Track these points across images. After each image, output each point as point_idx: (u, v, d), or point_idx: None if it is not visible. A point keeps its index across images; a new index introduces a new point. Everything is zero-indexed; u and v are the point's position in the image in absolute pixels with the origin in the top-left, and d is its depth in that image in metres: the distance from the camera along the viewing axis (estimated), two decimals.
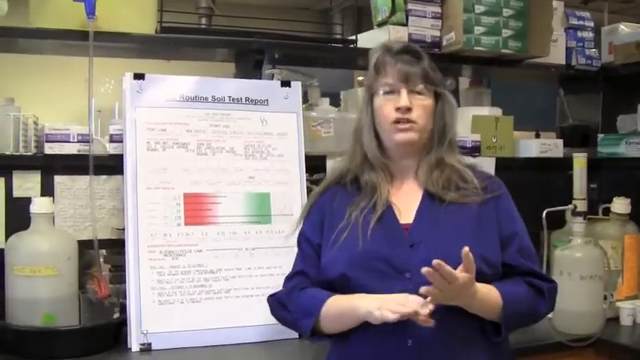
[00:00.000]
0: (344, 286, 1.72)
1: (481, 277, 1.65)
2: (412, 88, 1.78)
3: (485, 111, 3.07)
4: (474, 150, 2.84)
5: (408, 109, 1.77)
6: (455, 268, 1.55)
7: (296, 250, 1.89)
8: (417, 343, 1.64)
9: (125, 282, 2.21)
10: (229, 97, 2.42)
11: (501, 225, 1.78)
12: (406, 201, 1.80)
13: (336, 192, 1.87)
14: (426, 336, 1.62)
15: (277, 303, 1.87)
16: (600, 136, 3.20)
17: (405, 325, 1.59)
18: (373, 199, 1.79)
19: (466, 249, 1.54)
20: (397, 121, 1.77)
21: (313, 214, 1.88)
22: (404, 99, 1.77)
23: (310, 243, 1.84)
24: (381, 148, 1.84)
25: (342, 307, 1.70)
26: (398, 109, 1.77)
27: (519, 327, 1.80)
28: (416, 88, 1.79)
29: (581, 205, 2.50)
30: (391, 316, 1.55)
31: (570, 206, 2.51)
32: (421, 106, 1.79)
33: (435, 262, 1.51)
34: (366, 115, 1.85)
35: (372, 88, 1.84)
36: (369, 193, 1.81)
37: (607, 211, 2.74)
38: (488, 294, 1.67)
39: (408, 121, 1.77)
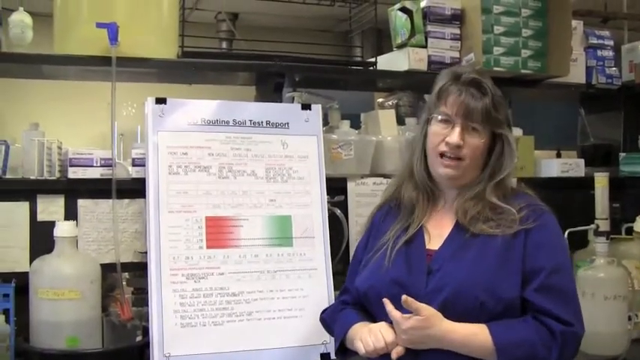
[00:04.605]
0: (367, 303, 1.83)
1: (486, 313, 1.66)
2: (469, 123, 1.75)
3: None
4: None
5: (458, 147, 1.75)
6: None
7: (318, 273, 1.93)
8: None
9: (148, 305, 2.22)
10: (250, 120, 2.44)
11: (527, 259, 1.70)
12: (439, 227, 1.82)
13: (388, 210, 1.92)
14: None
15: (325, 323, 2.00)
16: (622, 154, 3.18)
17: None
18: (409, 220, 1.83)
19: (403, 297, 1.62)
20: (443, 154, 1.77)
21: (367, 230, 1.96)
22: (455, 135, 1.74)
23: (357, 258, 1.94)
24: (427, 170, 1.85)
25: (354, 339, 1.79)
26: (447, 144, 1.76)
27: None
28: (472, 125, 1.75)
29: (604, 225, 2.49)
30: (361, 348, 1.70)
31: (593, 226, 2.50)
32: (472, 144, 1.76)
33: (403, 297, 1.62)
34: (420, 136, 1.86)
35: (430, 111, 1.82)
36: (407, 214, 1.84)
37: (630, 231, 2.72)
38: (473, 335, 1.65)
39: (457, 157, 1.76)
